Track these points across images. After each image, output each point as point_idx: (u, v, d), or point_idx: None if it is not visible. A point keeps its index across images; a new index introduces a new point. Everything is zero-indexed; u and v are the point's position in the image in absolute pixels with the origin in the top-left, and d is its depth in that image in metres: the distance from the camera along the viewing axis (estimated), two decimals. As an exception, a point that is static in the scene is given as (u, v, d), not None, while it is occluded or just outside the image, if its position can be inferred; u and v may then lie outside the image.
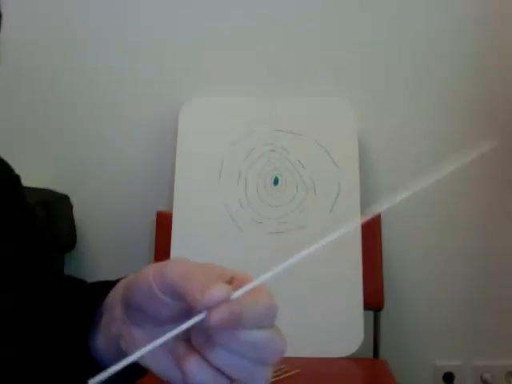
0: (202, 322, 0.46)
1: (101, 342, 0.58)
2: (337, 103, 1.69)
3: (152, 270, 0.52)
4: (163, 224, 1.65)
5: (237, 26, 1.73)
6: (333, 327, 1.56)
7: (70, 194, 1.72)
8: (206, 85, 1.74)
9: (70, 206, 1.73)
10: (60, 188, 1.72)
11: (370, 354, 1.66)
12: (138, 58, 1.75)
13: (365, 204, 1.65)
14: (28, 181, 1.78)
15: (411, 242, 1.77)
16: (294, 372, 1.43)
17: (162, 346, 0.47)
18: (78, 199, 1.74)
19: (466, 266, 1.78)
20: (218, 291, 0.47)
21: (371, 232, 1.64)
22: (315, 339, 1.56)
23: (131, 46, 1.74)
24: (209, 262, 0.56)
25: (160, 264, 0.53)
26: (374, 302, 1.62)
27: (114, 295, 0.57)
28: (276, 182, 1.65)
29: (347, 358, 1.55)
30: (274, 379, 1.52)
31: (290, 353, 1.67)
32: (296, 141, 1.66)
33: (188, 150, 1.67)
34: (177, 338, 0.48)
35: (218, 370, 0.48)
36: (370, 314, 1.64)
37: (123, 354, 0.49)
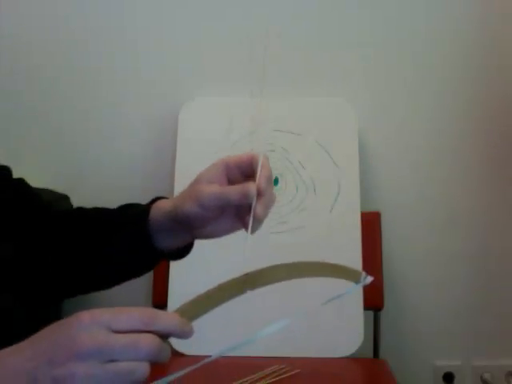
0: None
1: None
2: (337, 103, 1.69)
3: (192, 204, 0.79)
4: (163, 224, 1.65)
5: (237, 26, 1.73)
6: (333, 327, 1.56)
7: (69, 194, 1.72)
8: (205, 85, 1.74)
9: (70, 206, 1.73)
10: (60, 188, 1.72)
11: (370, 354, 1.66)
12: (138, 58, 1.75)
13: (365, 204, 1.66)
14: (28, 181, 1.78)
15: (411, 242, 1.77)
16: (293, 372, 1.43)
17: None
18: (78, 199, 1.74)
19: (467, 266, 1.78)
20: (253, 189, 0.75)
21: (371, 232, 1.65)
22: (315, 339, 1.56)
23: (131, 46, 1.74)
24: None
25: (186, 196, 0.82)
26: (373, 302, 1.62)
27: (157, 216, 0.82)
28: (276, 182, 1.65)
29: (347, 357, 1.55)
30: (274, 379, 1.51)
31: (290, 353, 1.67)
32: (296, 141, 1.66)
33: (188, 149, 1.67)
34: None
35: None
36: (370, 313, 1.65)
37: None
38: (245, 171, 0.77)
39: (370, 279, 0.72)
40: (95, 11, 1.74)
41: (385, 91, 1.74)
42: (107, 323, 0.54)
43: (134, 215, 0.84)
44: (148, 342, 0.54)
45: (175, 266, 1.59)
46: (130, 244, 0.83)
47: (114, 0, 1.73)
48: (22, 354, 0.54)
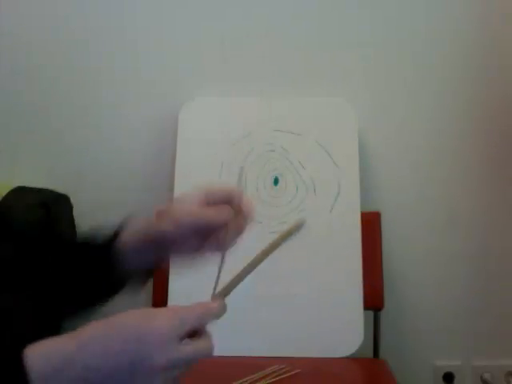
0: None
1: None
2: (337, 103, 1.69)
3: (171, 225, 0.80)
4: (163, 224, 1.65)
5: (237, 26, 1.73)
6: (333, 327, 1.56)
7: (69, 194, 1.72)
8: (205, 85, 1.74)
9: (70, 206, 1.73)
10: (60, 188, 1.72)
11: (370, 354, 1.66)
12: (138, 58, 1.75)
13: (365, 204, 1.66)
14: (28, 181, 1.78)
15: (411, 242, 1.77)
16: (293, 372, 1.43)
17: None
18: (78, 199, 1.74)
19: (467, 266, 1.78)
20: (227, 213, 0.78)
21: (371, 232, 1.65)
22: (315, 339, 1.56)
23: (131, 46, 1.74)
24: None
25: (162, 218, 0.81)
26: (374, 302, 1.62)
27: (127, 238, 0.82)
28: (276, 182, 1.65)
29: (347, 358, 1.55)
30: (274, 379, 1.51)
31: (290, 353, 1.67)
32: (296, 141, 1.66)
33: (188, 149, 1.67)
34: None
35: None
36: (370, 313, 1.65)
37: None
38: (225, 200, 0.79)
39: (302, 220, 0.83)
40: (95, 11, 1.73)
41: (385, 91, 1.74)
42: (175, 338, 0.62)
43: (101, 244, 0.85)
44: (207, 349, 0.64)
45: (175, 266, 1.59)
46: (94, 270, 0.84)
47: (114, 0, 1.73)
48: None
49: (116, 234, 0.83)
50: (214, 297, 0.72)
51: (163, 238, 0.79)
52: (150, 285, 1.66)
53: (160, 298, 1.61)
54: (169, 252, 0.82)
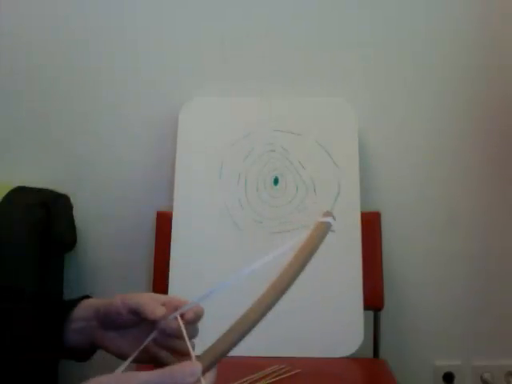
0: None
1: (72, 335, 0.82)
2: (337, 103, 1.69)
3: (119, 300, 0.78)
4: (163, 224, 1.65)
5: (237, 26, 1.73)
6: (333, 327, 1.56)
7: (69, 194, 1.72)
8: (205, 85, 1.74)
9: (70, 206, 1.73)
10: (60, 188, 1.72)
11: (370, 354, 1.66)
12: (138, 58, 1.75)
13: (365, 204, 1.66)
14: (28, 181, 1.78)
15: (411, 242, 1.77)
16: (293, 372, 1.43)
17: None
18: (78, 199, 1.75)
19: (467, 266, 1.78)
20: (160, 312, 0.76)
21: (371, 232, 1.65)
22: (315, 339, 1.56)
23: (131, 47, 1.74)
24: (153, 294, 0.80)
25: (125, 295, 0.79)
26: (374, 301, 1.62)
27: (85, 311, 0.83)
28: (276, 182, 1.65)
29: (347, 358, 1.55)
30: (274, 379, 1.51)
31: (290, 353, 1.67)
32: (296, 141, 1.66)
33: (188, 150, 1.67)
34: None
35: None
36: (370, 314, 1.64)
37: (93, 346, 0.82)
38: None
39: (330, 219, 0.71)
40: (95, 11, 1.73)
41: (385, 91, 1.74)
42: None
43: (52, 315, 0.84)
44: None
45: (175, 266, 1.59)
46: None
47: (114, 0, 1.73)
48: None
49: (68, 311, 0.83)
50: (201, 359, 0.61)
51: (109, 317, 0.79)
52: (150, 285, 1.66)
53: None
54: (110, 326, 0.81)
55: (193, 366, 0.60)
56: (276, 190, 1.65)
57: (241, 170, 1.65)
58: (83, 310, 0.82)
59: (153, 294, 0.80)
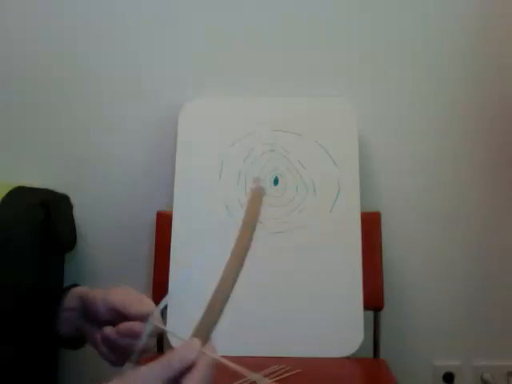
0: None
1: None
2: (337, 103, 1.69)
3: (100, 296, 0.80)
4: (163, 224, 1.65)
5: (237, 27, 1.73)
6: (333, 327, 1.56)
7: (70, 194, 1.72)
8: (206, 85, 1.74)
9: (70, 206, 1.73)
10: (60, 188, 1.72)
11: (370, 354, 1.66)
12: (138, 58, 1.75)
13: (365, 204, 1.65)
14: (28, 181, 1.78)
15: (411, 242, 1.77)
16: (294, 372, 1.43)
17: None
18: (78, 199, 1.74)
19: (467, 266, 1.78)
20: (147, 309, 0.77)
21: (371, 232, 1.65)
22: (315, 339, 1.56)
23: (131, 46, 1.74)
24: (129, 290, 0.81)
25: (104, 292, 0.81)
26: (374, 302, 1.62)
27: (71, 301, 0.84)
28: (276, 182, 1.65)
29: (347, 358, 1.54)
30: (274, 379, 1.51)
31: (290, 353, 1.67)
32: (296, 141, 1.66)
33: (188, 150, 1.67)
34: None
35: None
36: (370, 314, 1.64)
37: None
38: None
39: None
40: (96, 11, 1.73)
41: (385, 91, 1.74)
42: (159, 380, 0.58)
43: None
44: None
45: (175, 266, 1.59)
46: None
47: (116, 1, 1.73)
48: None
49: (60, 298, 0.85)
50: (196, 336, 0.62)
51: (89, 308, 0.81)
52: (150, 285, 1.66)
53: (160, 299, 1.60)
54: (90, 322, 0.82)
55: (189, 342, 0.60)
56: (276, 190, 1.65)
57: (241, 170, 1.65)
58: (69, 299, 0.84)
59: (128, 289, 0.81)
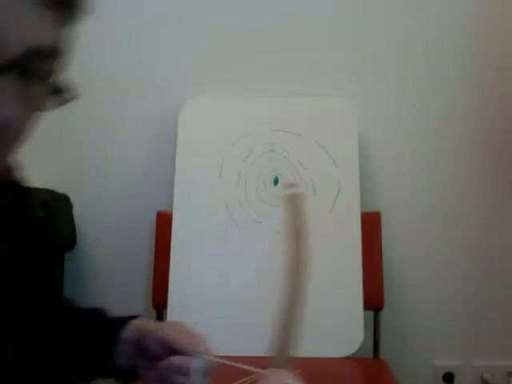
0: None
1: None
2: (337, 103, 1.69)
3: (154, 330, 0.78)
4: (163, 224, 1.65)
5: (237, 27, 1.73)
6: (333, 327, 1.56)
7: (70, 194, 1.72)
8: (206, 85, 1.74)
9: (70, 206, 1.73)
10: (60, 188, 1.72)
11: (370, 354, 1.66)
12: (138, 58, 1.75)
13: (365, 204, 1.65)
14: (28, 181, 1.78)
15: (411, 242, 1.77)
16: (293, 372, 1.42)
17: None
18: (78, 199, 1.74)
19: (467, 266, 1.78)
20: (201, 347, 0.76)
21: (371, 232, 1.65)
22: (315, 339, 1.56)
23: (131, 46, 1.74)
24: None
25: (158, 325, 0.81)
26: (374, 301, 1.62)
27: (127, 334, 0.81)
28: (276, 182, 1.65)
29: (347, 358, 1.55)
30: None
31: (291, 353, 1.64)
32: (296, 141, 1.66)
33: (188, 149, 1.67)
34: None
35: None
36: (370, 314, 1.64)
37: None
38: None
39: None
40: (97, 10, 1.73)
41: (385, 91, 1.74)
42: None
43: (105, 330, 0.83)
44: None
45: (175, 266, 1.59)
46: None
47: (116, 0, 1.73)
48: None
49: (124, 323, 0.82)
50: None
51: (147, 338, 0.79)
52: (149, 285, 1.66)
53: (160, 299, 1.61)
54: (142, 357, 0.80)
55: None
56: (276, 190, 1.65)
57: (241, 170, 1.65)
58: (129, 331, 0.81)
59: (182, 324, 0.79)
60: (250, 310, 1.54)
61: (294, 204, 0.72)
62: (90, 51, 1.74)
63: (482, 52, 1.72)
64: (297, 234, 0.69)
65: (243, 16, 1.73)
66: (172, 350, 0.76)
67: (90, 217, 1.78)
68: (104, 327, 0.83)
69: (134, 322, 0.82)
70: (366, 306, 1.58)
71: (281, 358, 0.60)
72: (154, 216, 1.69)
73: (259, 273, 1.54)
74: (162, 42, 1.74)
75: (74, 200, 1.73)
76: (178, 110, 1.70)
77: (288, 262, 0.66)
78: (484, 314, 1.78)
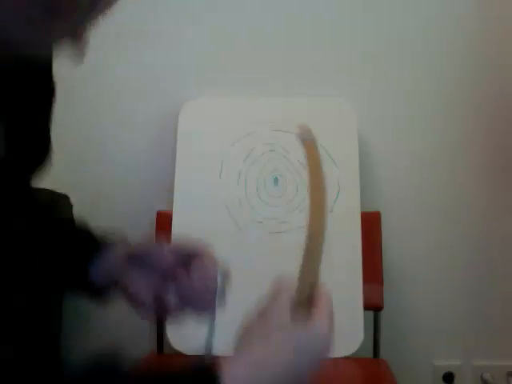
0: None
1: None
2: (337, 103, 1.69)
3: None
4: (163, 224, 1.65)
5: (237, 26, 1.73)
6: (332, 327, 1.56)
7: (70, 194, 1.72)
8: (206, 85, 1.74)
9: (69, 206, 1.73)
10: (60, 188, 1.72)
11: (370, 354, 1.66)
12: (139, 57, 1.75)
13: (365, 204, 1.66)
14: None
15: (411, 242, 1.77)
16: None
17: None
18: (78, 199, 1.74)
19: (467, 266, 1.78)
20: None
21: (371, 232, 1.65)
22: (315, 339, 1.56)
23: (132, 46, 1.74)
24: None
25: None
26: (374, 302, 1.62)
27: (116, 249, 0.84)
28: (276, 182, 1.65)
29: (347, 358, 1.54)
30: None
31: (291, 353, 1.62)
32: (296, 141, 1.66)
33: (188, 149, 1.67)
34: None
35: None
36: (370, 314, 1.64)
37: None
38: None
39: None
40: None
41: (385, 91, 1.74)
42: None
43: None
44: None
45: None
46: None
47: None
48: None
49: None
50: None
51: (153, 251, 0.82)
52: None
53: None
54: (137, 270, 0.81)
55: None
56: (276, 190, 1.65)
57: (241, 170, 1.65)
58: (118, 248, 0.84)
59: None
60: (249, 310, 1.54)
61: (310, 148, 0.76)
62: (90, 51, 1.74)
63: (481, 52, 1.72)
64: (315, 168, 0.74)
65: (243, 16, 1.73)
66: (184, 262, 0.76)
67: (89, 217, 1.77)
68: (83, 241, 0.84)
69: (121, 244, 0.84)
70: (366, 306, 1.58)
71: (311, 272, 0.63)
72: (154, 216, 1.69)
73: (259, 273, 1.54)
74: (162, 41, 1.74)
75: (73, 200, 1.73)
76: (178, 110, 1.70)
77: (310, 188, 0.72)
78: (484, 314, 1.78)
